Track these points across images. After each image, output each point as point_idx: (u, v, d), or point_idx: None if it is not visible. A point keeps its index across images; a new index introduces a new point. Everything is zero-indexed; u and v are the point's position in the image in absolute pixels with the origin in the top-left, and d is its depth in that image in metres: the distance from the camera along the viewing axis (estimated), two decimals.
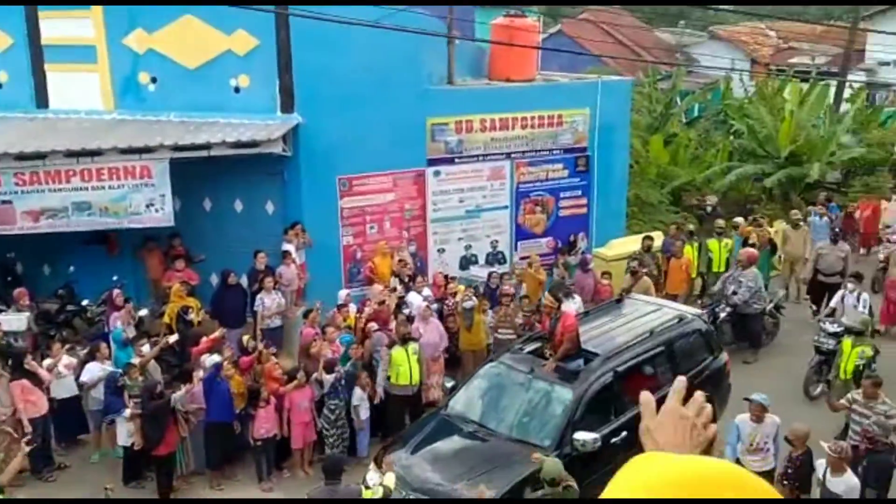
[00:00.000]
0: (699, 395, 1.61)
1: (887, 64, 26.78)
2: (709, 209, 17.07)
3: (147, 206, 12.08)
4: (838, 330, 11.96)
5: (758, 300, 13.53)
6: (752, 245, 14.77)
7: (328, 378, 10.46)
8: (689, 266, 14.63)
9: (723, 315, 13.29)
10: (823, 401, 11.63)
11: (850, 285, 13.11)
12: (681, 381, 1.62)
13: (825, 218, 16.96)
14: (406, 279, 13.19)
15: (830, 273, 14.21)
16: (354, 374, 10.64)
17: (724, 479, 1.10)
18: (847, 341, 11.29)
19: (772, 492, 1.13)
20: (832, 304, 13.16)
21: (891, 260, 14.94)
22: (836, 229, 15.65)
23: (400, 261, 13.61)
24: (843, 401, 9.90)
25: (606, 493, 1.15)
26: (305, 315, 11.79)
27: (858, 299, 12.85)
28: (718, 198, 19.81)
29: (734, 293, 13.45)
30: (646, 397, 1.61)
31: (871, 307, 13.06)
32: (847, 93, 25.36)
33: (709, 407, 1.58)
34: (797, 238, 15.83)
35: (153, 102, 13.07)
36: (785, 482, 8.81)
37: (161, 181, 12.04)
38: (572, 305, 10.84)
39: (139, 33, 13.03)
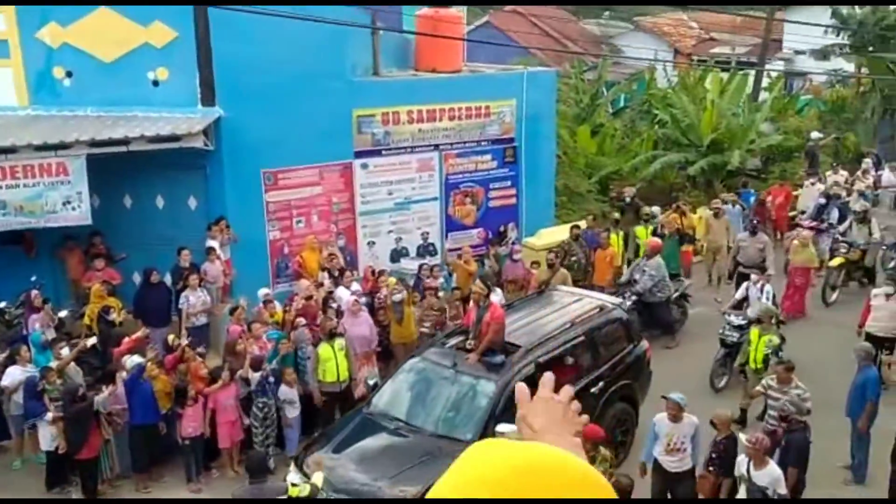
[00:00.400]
0: (567, 388, 1.63)
1: (803, 53, 27.58)
2: (627, 199, 17.31)
3: (64, 205, 11.72)
4: (743, 322, 12.16)
5: (661, 289, 13.67)
6: (661, 236, 15.03)
7: (255, 376, 10.33)
8: (613, 257, 14.75)
9: (628, 304, 13.45)
10: (727, 393, 11.84)
11: (753, 277, 13.31)
12: (547, 376, 1.63)
13: (737, 206, 17.28)
14: (335, 273, 13.10)
15: (750, 265, 14.32)
16: (280, 370, 10.54)
17: (554, 470, 1.09)
18: (755, 331, 11.49)
19: (606, 487, 1.13)
20: (737, 296, 13.33)
21: (791, 248, 15.26)
22: (755, 220, 15.95)
23: (329, 255, 13.51)
24: (758, 387, 10.08)
25: (440, 483, 1.14)
26: (232, 312, 11.62)
27: (762, 290, 13.03)
28: (644, 185, 20.18)
29: (634, 281, 13.67)
30: (520, 388, 1.62)
31: (774, 297, 13.29)
32: (765, 82, 26.08)
33: (577, 403, 1.60)
34: (719, 227, 16.09)
35: (69, 97, 12.67)
36: (711, 468, 8.89)
37: (78, 178, 11.70)
38: (495, 298, 10.92)
39: (53, 27, 12.61)
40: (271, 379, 10.48)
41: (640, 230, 15.68)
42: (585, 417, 1.60)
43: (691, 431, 8.89)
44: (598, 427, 8.51)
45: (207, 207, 13.10)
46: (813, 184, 19.02)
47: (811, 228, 16.21)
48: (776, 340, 11.31)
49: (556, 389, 1.61)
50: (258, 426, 10.40)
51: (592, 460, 8.00)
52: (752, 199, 18.29)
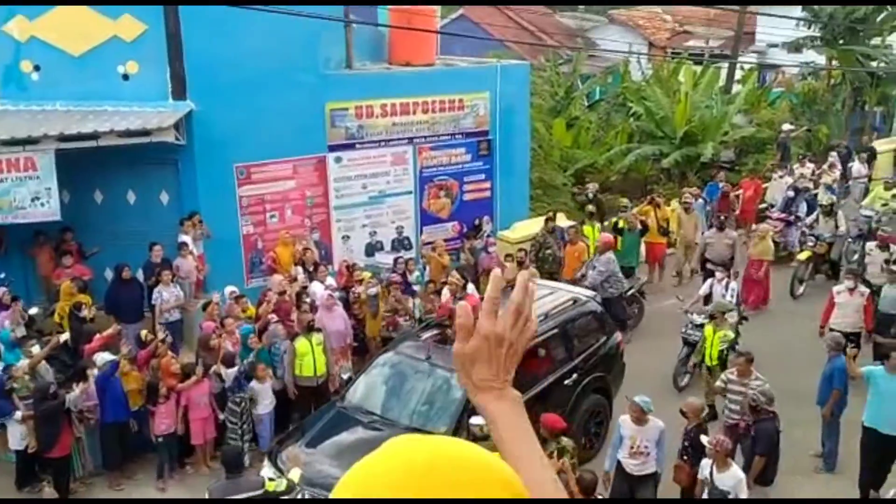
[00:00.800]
0: (521, 278, 1.45)
1: (776, 46, 27.77)
2: (590, 195, 17.32)
3: (33, 201, 11.58)
4: (705, 321, 11.97)
5: (613, 284, 13.44)
6: (621, 230, 15.05)
7: (229, 372, 10.27)
8: (582, 252, 14.67)
9: None
10: (691, 391, 11.70)
11: (718, 274, 13.25)
12: (495, 275, 1.47)
13: (700, 200, 17.20)
14: (310, 268, 13.04)
15: (719, 262, 14.24)
16: (254, 365, 10.48)
17: (462, 468, 1.09)
18: (708, 328, 11.41)
19: (517, 486, 1.11)
20: (701, 292, 13.19)
21: (752, 241, 15.23)
22: (722, 217, 15.95)
23: (304, 248, 13.43)
24: (718, 382, 10.04)
25: (347, 476, 1.13)
26: (205, 308, 11.54)
27: (727, 288, 12.95)
28: (619, 178, 20.25)
29: (583, 276, 13.59)
30: (463, 309, 1.42)
31: (738, 295, 13.24)
32: (739, 74, 26.25)
33: (528, 308, 1.46)
34: (689, 222, 16.09)
35: (37, 91, 12.50)
36: (685, 457, 8.87)
37: (47, 174, 11.56)
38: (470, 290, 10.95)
39: (20, 20, 12.44)
40: (245, 375, 10.41)
41: (615, 222, 15.71)
42: (532, 328, 1.46)
43: (656, 435, 8.70)
44: (558, 418, 8.51)
45: (179, 202, 13.00)
46: (781, 176, 19.10)
47: (780, 220, 16.27)
48: (731, 335, 11.31)
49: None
50: (235, 421, 10.33)
51: (561, 452, 8.03)
52: (718, 192, 18.32)
